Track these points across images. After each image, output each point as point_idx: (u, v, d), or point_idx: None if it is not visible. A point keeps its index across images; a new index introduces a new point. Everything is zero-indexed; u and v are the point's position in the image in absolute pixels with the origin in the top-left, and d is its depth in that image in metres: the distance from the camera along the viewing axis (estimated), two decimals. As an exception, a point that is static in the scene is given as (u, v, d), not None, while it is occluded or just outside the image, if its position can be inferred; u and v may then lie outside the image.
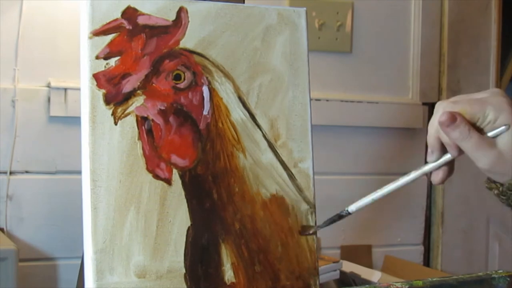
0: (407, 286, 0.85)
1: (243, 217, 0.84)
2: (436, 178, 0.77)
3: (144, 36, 0.81)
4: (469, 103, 0.72)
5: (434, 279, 0.91)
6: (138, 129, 0.80)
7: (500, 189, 0.73)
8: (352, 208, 0.83)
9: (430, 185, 1.80)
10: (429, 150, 0.77)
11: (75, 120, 1.33)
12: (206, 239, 0.82)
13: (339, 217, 0.85)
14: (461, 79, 1.79)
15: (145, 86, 0.81)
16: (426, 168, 0.78)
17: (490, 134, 0.73)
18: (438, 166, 0.77)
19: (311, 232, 0.87)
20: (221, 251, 0.83)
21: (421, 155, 1.77)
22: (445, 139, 0.74)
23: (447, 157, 0.77)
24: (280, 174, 0.87)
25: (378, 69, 1.71)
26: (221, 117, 0.85)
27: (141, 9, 0.81)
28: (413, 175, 0.79)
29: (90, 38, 0.79)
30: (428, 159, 0.78)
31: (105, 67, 0.79)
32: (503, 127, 0.72)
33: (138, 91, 0.80)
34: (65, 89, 1.37)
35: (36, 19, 1.37)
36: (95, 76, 0.79)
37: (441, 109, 0.74)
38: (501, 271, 0.90)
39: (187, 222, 0.81)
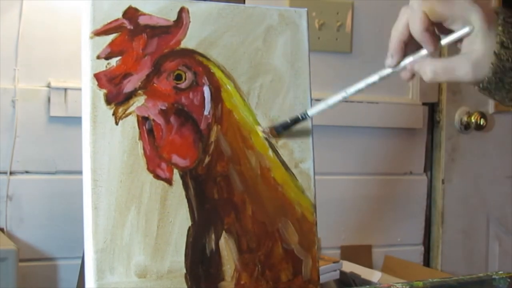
0: (407, 287, 0.85)
1: (244, 217, 0.84)
2: (406, 75, 0.77)
3: (145, 36, 0.81)
4: (437, 3, 0.72)
5: (435, 280, 0.91)
6: (139, 129, 0.80)
7: (480, 85, 0.74)
8: (311, 111, 0.83)
9: (430, 185, 1.80)
10: (389, 53, 0.76)
11: (75, 120, 1.33)
12: (207, 239, 0.82)
13: (296, 121, 0.85)
14: (461, 79, 1.79)
15: (146, 86, 0.81)
16: (387, 72, 0.78)
17: (447, 40, 0.73)
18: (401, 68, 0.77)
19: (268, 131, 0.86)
20: (221, 251, 0.83)
21: (421, 155, 1.77)
22: (418, 36, 0.74)
23: (423, 53, 0.75)
24: (281, 175, 0.87)
25: (378, 69, 1.71)
26: (222, 117, 0.85)
27: (142, 9, 0.81)
28: (375, 77, 0.80)
29: (91, 38, 0.79)
30: (387, 62, 0.77)
31: (106, 67, 0.79)
32: (465, 30, 0.71)
33: (139, 91, 0.80)
34: (65, 89, 1.37)
35: (36, 19, 1.37)
36: (96, 76, 0.79)
37: (411, 8, 0.73)
38: (501, 272, 0.90)
39: (188, 222, 0.81)
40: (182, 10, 0.84)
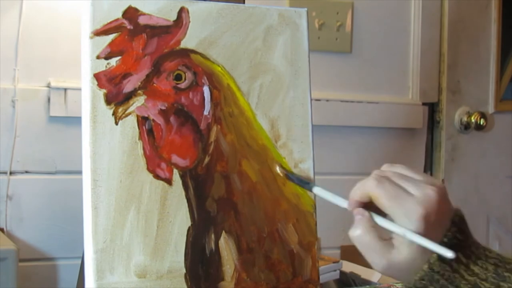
0: (407, 286, 0.85)
1: (243, 217, 0.84)
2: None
3: (145, 36, 0.81)
4: (389, 194, 0.67)
5: (435, 279, 0.91)
6: (139, 129, 0.80)
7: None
8: (316, 189, 0.80)
9: (430, 185, 1.80)
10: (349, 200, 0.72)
11: (75, 120, 1.33)
12: (207, 239, 0.82)
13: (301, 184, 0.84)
14: (461, 79, 1.79)
15: (146, 86, 0.81)
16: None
17: (380, 223, 0.69)
18: None
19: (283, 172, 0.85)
20: (221, 251, 0.83)
21: (421, 155, 1.77)
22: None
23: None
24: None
25: (378, 69, 1.71)
26: (221, 117, 0.85)
27: (142, 9, 0.81)
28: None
29: (91, 37, 0.79)
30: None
31: (106, 67, 0.79)
32: (399, 232, 0.66)
33: (139, 91, 0.80)
34: (65, 89, 1.37)
35: (36, 19, 1.37)
36: (96, 76, 0.79)
37: (371, 180, 0.70)
38: (501, 271, 0.90)
39: (188, 222, 0.81)
40: (182, 10, 0.84)
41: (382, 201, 0.68)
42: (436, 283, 0.66)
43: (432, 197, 0.67)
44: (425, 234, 0.66)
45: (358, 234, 0.69)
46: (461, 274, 0.67)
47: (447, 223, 0.69)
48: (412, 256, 0.67)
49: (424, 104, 1.76)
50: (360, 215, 0.70)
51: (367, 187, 0.70)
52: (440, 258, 0.66)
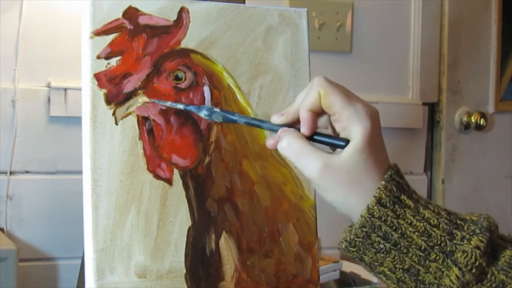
0: (407, 286, 0.85)
1: (244, 217, 0.84)
2: (270, 143, 0.68)
3: (145, 36, 0.81)
4: (338, 94, 0.64)
5: (435, 279, 0.91)
6: (139, 129, 0.80)
7: (348, 239, 0.65)
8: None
9: (430, 185, 1.80)
10: (283, 112, 0.68)
11: (75, 120, 1.33)
12: (207, 239, 0.82)
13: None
14: (461, 79, 1.79)
15: (146, 86, 0.81)
16: (266, 125, 0.70)
17: (319, 138, 0.66)
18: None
19: None
20: (222, 251, 0.83)
21: (421, 155, 1.77)
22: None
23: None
24: (281, 175, 0.87)
25: (378, 69, 1.71)
26: (222, 117, 0.85)
27: (142, 9, 0.82)
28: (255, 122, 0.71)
29: (91, 37, 0.79)
30: (273, 117, 0.69)
31: (106, 67, 0.79)
32: (340, 142, 0.64)
33: (139, 91, 0.81)
34: (65, 89, 1.37)
35: (36, 19, 1.37)
36: (96, 76, 0.79)
37: (311, 82, 0.66)
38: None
39: (188, 222, 0.81)
40: (182, 10, 0.84)
41: (331, 100, 0.64)
42: (378, 230, 0.63)
43: (376, 110, 0.65)
44: (370, 147, 0.63)
45: (287, 142, 0.65)
46: (408, 219, 0.63)
47: (385, 157, 0.66)
48: (353, 159, 0.63)
49: (424, 104, 1.76)
50: (285, 131, 0.67)
51: (315, 86, 0.65)
52: (379, 202, 0.62)
